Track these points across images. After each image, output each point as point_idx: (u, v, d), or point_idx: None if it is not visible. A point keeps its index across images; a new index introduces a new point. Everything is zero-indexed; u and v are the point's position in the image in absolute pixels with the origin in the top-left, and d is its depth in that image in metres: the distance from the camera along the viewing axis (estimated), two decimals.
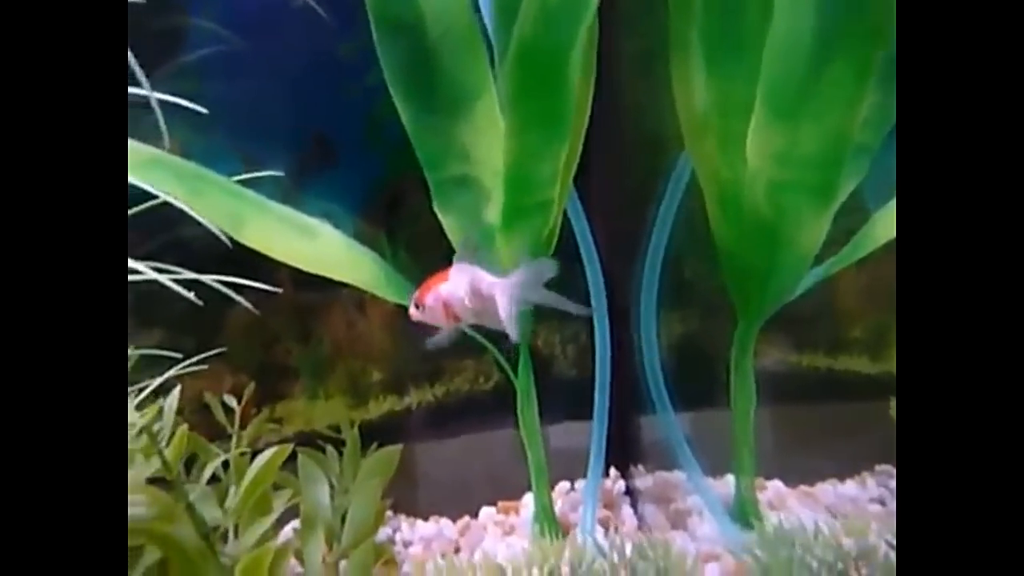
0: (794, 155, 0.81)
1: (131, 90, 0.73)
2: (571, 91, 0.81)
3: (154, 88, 0.81)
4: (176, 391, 0.77)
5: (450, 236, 0.94)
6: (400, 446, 0.98)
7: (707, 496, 1.06)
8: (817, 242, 0.88)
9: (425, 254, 1.07)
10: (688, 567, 0.77)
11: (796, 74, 0.77)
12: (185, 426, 0.72)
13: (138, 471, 0.69)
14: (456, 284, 0.80)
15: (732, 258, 0.96)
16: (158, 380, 0.85)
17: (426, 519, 1.17)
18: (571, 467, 1.19)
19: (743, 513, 1.03)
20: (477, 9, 0.90)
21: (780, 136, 0.81)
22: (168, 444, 0.70)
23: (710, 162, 0.94)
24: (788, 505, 1.11)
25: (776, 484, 1.16)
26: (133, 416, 0.68)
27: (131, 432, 0.67)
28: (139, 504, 0.65)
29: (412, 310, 0.84)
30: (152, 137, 0.85)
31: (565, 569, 0.79)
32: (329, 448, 0.97)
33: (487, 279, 0.78)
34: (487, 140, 0.88)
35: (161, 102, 0.84)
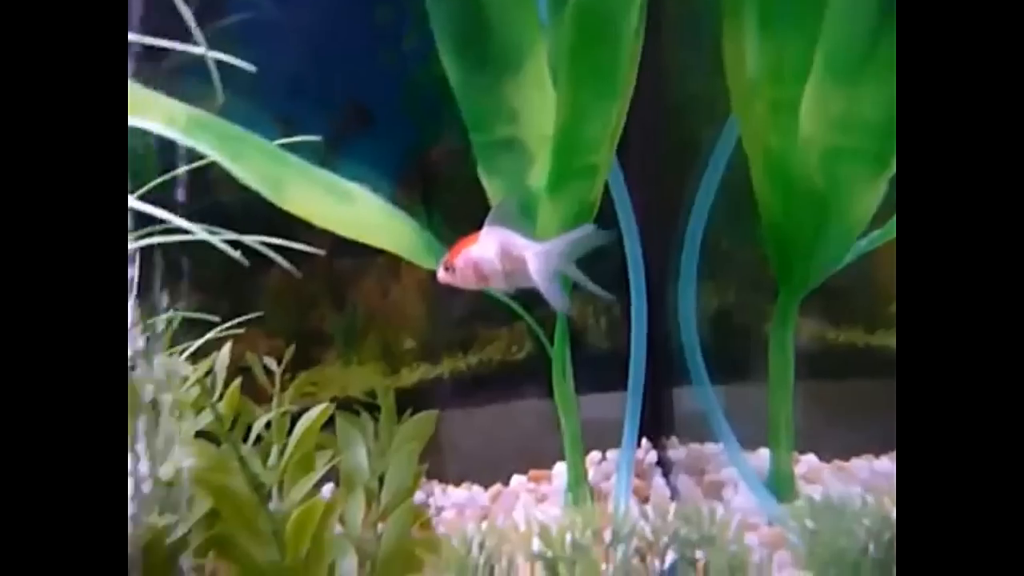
0: (853, 121, 0.80)
1: (181, 47, 0.72)
2: (625, 50, 0.79)
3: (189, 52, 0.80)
4: (227, 347, 0.77)
5: (492, 201, 0.93)
6: (436, 411, 0.98)
7: (744, 468, 1.05)
8: (869, 212, 0.87)
9: (461, 220, 1.06)
10: (731, 534, 0.77)
11: (859, 38, 0.75)
12: (238, 381, 0.73)
13: (189, 425, 0.69)
14: (486, 246, 0.79)
15: (777, 229, 0.95)
16: (197, 343, 0.85)
17: (458, 486, 1.18)
18: (602, 437, 1.19)
19: (779, 486, 1.02)
20: None
21: (839, 101, 0.79)
22: (219, 399, 0.71)
23: (759, 129, 0.92)
24: (823, 479, 1.11)
25: (810, 458, 1.15)
26: (185, 369, 0.69)
27: (183, 385, 0.68)
28: (191, 455, 0.66)
29: (441, 272, 0.83)
30: (198, 98, 0.85)
31: (607, 533, 0.79)
32: (364, 413, 0.98)
33: (519, 241, 0.78)
34: (535, 102, 0.87)
35: (201, 64, 0.83)
